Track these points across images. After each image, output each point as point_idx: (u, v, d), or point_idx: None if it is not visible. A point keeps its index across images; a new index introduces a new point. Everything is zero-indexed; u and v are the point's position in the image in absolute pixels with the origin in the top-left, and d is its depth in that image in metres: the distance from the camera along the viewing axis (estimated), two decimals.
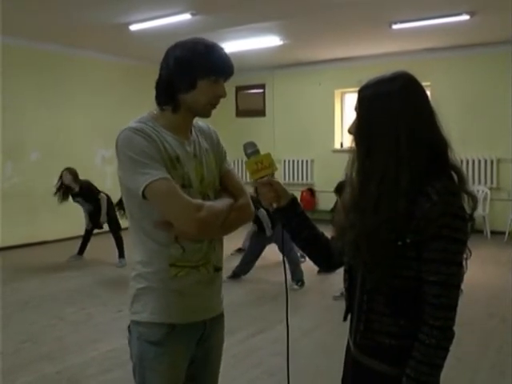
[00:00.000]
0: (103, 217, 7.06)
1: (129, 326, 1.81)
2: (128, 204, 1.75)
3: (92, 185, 7.12)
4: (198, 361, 1.85)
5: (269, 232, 5.92)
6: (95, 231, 7.46)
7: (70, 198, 7.12)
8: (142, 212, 1.70)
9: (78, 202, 7.19)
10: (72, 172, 7.03)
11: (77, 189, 7.03)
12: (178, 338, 1.75)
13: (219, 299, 1.91)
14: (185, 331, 1.76)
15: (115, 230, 7.10)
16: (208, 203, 1.68)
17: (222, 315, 1.94)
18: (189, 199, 1.62)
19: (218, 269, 1.84)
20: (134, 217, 1.75)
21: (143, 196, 1.60)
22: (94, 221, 7.20)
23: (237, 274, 6.16)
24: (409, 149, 1.37)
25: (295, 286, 5.75)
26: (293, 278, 5.79)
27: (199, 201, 1.66)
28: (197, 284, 1.76)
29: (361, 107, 1.46)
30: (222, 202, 1.75)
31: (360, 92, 1.47)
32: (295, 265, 5.82)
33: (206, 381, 1.91)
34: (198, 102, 1.71)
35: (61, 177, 7.03)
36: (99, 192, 7.08)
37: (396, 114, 1.39)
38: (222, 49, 1.74)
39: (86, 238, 7.44)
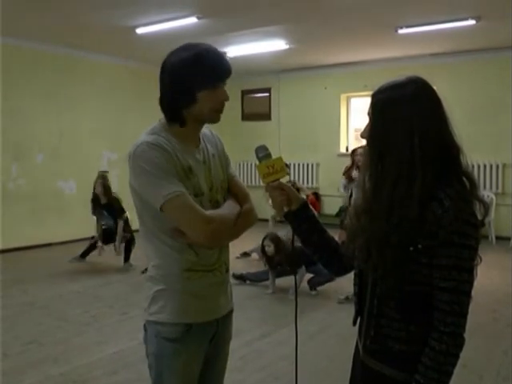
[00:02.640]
0: (118, 242, 7.00)
1: (144, 325, 1.85)
2: (141, 212, 1.79)
3: (119, 203, 6.97)
4: (209, 357, 1.90)
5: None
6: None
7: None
8: (155, 221, 1.74)
9: (99, 213, 7.07)
10: (104, 184, 7.01)
11: (104, 201, 7.02)
12: (195, 337, 1.80)
13: (229, 296, 1.96)
14: (200, 330, 1.81)
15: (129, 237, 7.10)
16: (218, 214, 1.74)
17: (231, 311, 1.99)
18: (201, 212, 1.67)
19: (228, 269, 1.92)
20: (146, 224, 1.79)
21: (160, 209, 1.66)
22: (107, 237, 7.06)
23: (244, 278, 6.19)
24: (422, 154, 1.37)
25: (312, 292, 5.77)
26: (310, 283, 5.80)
27: (210, 213, 1.71)
28: (211, 286, 1.83)
29: (374, 112, 1.46)
30: (231, 211, 1.80)
31: (373, 97, 1.47)
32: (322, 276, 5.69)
33: (213, 376, 1.96)
34: (203, 112, 1.74)
35: (94, 185, 7.04)
36: (124, 212, 6.94)
37: (409, 119, 1.39)
38: (214, 53, 1.73)
39: (92, 247, 7.33)
